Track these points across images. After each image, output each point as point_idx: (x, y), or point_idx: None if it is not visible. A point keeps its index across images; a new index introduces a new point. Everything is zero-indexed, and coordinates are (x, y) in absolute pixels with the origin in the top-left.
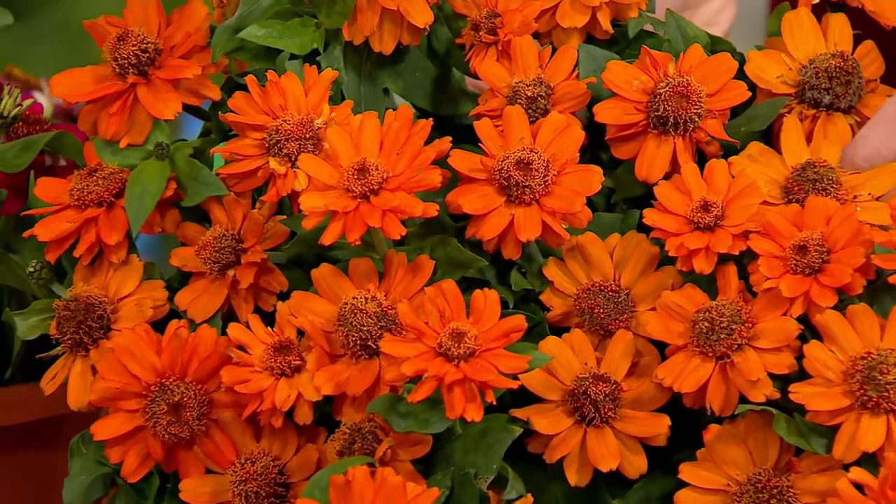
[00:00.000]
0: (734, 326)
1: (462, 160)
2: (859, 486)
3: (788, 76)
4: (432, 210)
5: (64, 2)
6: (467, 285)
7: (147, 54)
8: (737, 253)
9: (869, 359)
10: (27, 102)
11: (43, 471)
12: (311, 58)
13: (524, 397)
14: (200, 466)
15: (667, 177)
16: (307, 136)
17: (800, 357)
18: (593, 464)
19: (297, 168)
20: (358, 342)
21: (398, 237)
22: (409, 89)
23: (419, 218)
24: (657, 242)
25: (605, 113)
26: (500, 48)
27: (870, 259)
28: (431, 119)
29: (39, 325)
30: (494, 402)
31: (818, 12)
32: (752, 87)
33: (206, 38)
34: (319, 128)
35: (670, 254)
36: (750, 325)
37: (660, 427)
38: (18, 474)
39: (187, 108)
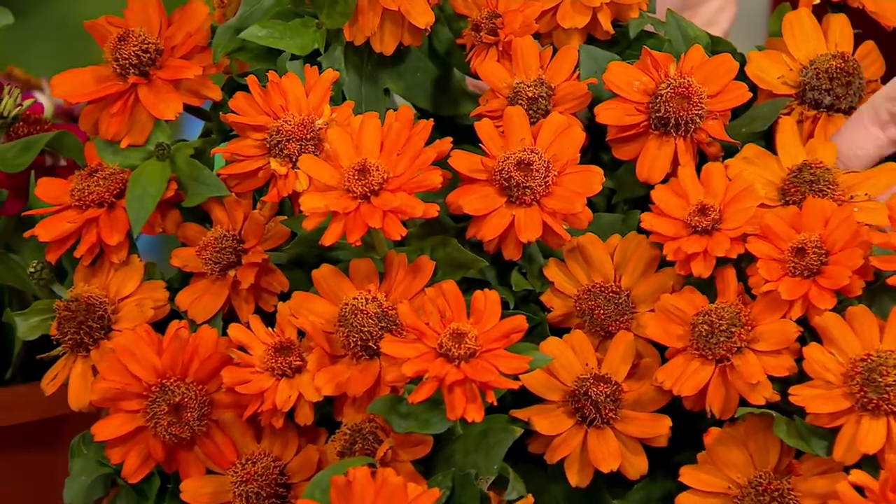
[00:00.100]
0: (734, 329)
1: (463, 161)
2: (860, 489)
3: (789, 77)
4: (433, 211)
5: (63, 1)
6: (468, 286)
7: (148, 54)
8: (734, 256)
9: (869, 361)
10: (27, 102)
11: (43, 471)
12: (312, 58)
13: (525, 398)
14: (201, 467)
15: (667, 178)
16: (308, 136)
17: (799, 359)
18: (594, 465)
19: (298, 169)
20: (358, 343)
21: (399, 238)
22: (409, 90)
23: (420, 218)
24: (658, 244)
25: (606, 114)
26: (500, 49)
27: (868, 260)
28: (432, 120)
29: (40, 326)
30: (495, 403)
31: (819, 13)
32: (753, 87)
33: (207, 38)
34: (320, 128)
35: (668, 258)
36: (749, 327)
37: (661, 428)
38: (19, 474)
39: (188, 109)
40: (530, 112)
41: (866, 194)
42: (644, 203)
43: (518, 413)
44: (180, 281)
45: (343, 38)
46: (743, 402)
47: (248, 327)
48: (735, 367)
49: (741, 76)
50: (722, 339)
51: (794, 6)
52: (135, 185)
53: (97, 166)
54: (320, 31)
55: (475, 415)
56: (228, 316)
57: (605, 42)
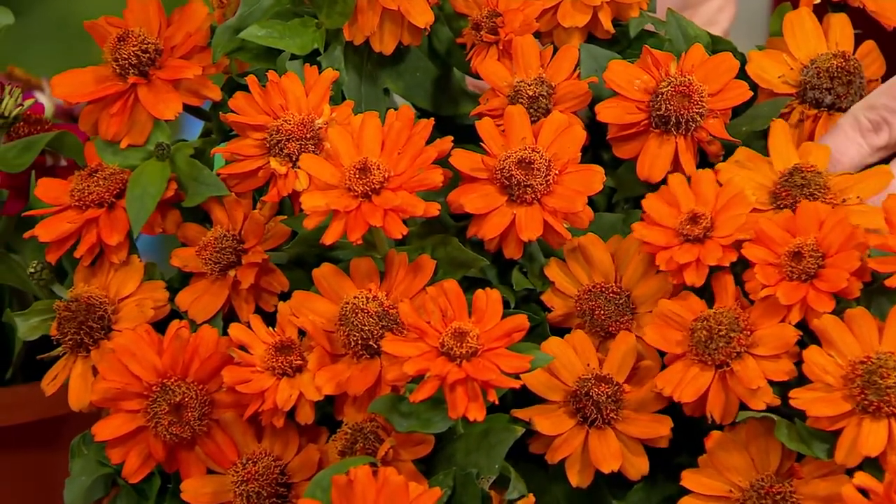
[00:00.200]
0: (732, 335)
1: (463, 159)
2: (864, 492)
3: (790, 76)
4: (434, 209)
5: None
6: (469, 285)
7: (147, 55)
8: (727, 264)
9: (868, 363)
10: (28, 102)
11: (44, 471)
12: (312, 58)
13: (526, 398)
14: (202, 467)
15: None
16: (308, 136)
17: (799, 362)
18: (595, 465)
19: (298, 168)
20: (359, 342)
21: (399, 237)
22: (409, 89)
23: (420, 217)
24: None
25: (606, 112)
26: (501, 48)
27: (865, 262)
28: (433, 119)
29: (40, 326)
30: (497, 402)
31: (819, 12)
32: (754, 87)
33: (207, 38)
34: (320, 128)
35: (661, 268)
36: (748, 332)
37: (662, 429)
38: (19, 474)
39: (188, 109)
40: (531, 111)
41: (858, 197)
42: None
43: (519, 413)
44: (180, 281)
45: (342, 37)
46: (743, 407)
47: (249, 327)
48: (735, 373)
49: (742, 75)
50: (721, 344)
51: (795, 6)
52: (135, 186)
53: (97, 166)
54: (320, 31)
55: (477, 414)
56: (229, 316)
57: (606, 41)
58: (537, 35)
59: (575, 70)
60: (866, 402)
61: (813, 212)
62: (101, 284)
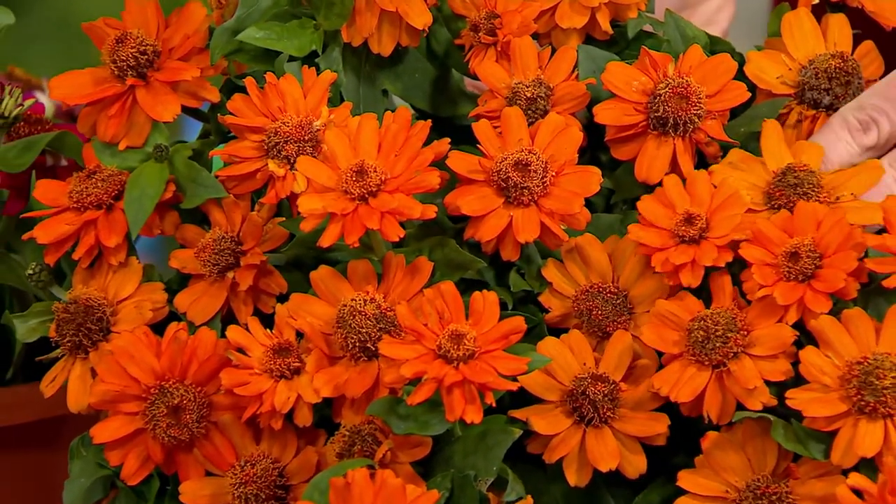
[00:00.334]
0: (729, 335)
1: (460, 161)
2: (859, 492)
3: (788, 77)
4: (431, 212)
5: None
6: (466, 287)
7: (146, 56)
8: (723, 265)
9: (865, 364)
10: (28, 102)
11: (43, 471)
12: (310, 59)
13: (523, 398)
14: (200, 469)
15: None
16: (306, 138)
17: (796, 363)
18: (593, 464)
19: (296, 170)
20: (357, 344)
21: (397, 239)
22: (408, 90)
23: (418, 219)
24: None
25: (604, 114)
26: (499, 49)
27: (863, 262)
28: (430, 121)
29: (39, 328)
30: (494, 405)
31: (818, 13)
32: (752, 87)
33: (205, 39)
34: (318, 130)
35: (656, 269)
36: (745, 332)
37: (659, 427)
38: (19, 474)
39: (186, 110)
40: (529, 112)
41: (852, 194)
42: None
43: (516, 413)
44: (179, 283)
45: (341, 39)
46: (740, 407)
47: (247, 329)
48: (731, 373)
49: (740, 76)
50: (718, 344)
51: (793, 6)
52: (133, 187)
53: (95, 168)
54: (318, 33)
55: (474, 416)
56: (227, 318)
57: (604, 42)
58: (535, 36)
59: (573, 71)
60: (863, 403)
61: (811, 212)
62: (99, 286)
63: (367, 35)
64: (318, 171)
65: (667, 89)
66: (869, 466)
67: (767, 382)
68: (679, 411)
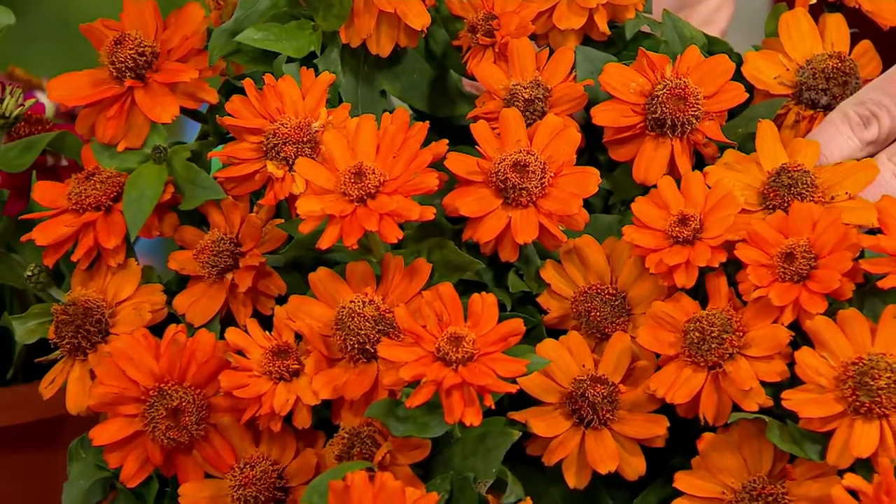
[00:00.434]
0: (725, 336)
1: (458, 163)
2: (854, 493)
3: (786, 77)
4: (429, 213)
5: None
6: (465, 288)
7: (144, 58)
8: (717, 265)
9: (860, 364)
10: (29, 102)
11: (43, 471)
12: (309, 61)
13: (522, 400)
14: (199, 471)
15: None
16: (304, 139)
17: (791, 363)
18: (592, 466)
19: (295, 172)
20: (356, 346)
21: (395, 241)
22: (406, 91)
23: (416, 221)
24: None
25: (602, 115)
26: (497, 50)
27: (858, 263)
28: (428, 122)
29: (38, 329)
30: (493, 407)
31: (815, 12)
32: (750, 88)
33: (203, 41)
34: (317, 131)
35: (651, 271)
36: (741, 333)
37: (658, 429)
38: (19, 474)
39: (184, 112)
40: (526, 114)
41: (847, 193)
42: None
43: (515, 415)
44: (178, 284)
45: (339, 40)
46: (736, 408)
47: (246, 331)
48: (727, 374)
49: (738, 76)
50: (713, 345)
51: (791, 6)
52: (131, 189)
53: (94, 170)
54: (316, 34)
55: (473, 419)
56: (226, 319)
57: (602, 43)
58: (533, 37)
59: (571, 72)
60: (858, 404)
61: (806, 213)
62: (98, 288)
63: (365, 36)
64: (316, 173)
65: (664, 90)
66: (865, 467)
67: (763, 383)
68: (676, 413)
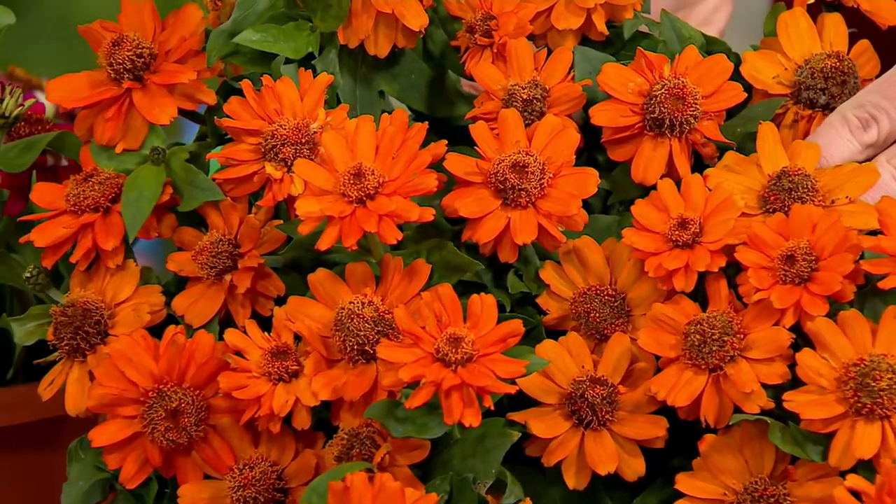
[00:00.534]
0: (726, 338)
1: (457, 163)
2: (857, 493)
3: (784, 77)
4: (428, 214)
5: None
6: (464, 289)
7: (142, 59)
8: (716, 270)
9: (862, 365)
10: (29, 102)
11: (43, 471)
12: (307, 62)
13: (521, 400)
14: (199, 472)
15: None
16: (303, 140)
17: (793, 365)
18: (591, 467)
19: (293, 173)
20: (355, 347)
21: (394, 242)
22: (404, 92)
23: (415, 222)
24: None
25: (600, 115)
26: (495, 50)
27: (858, 265)
28: (426, 123)
29: (36, 331)
30: (492, 408)
31: (813, 12)
32: (748, 87)
33: (201, 42)
34: (315, 132)
35: (650, 275)
36: (741, 336)
37: (657, 430)
38: (18, 474)
39: (183, 113)
40: (525, 114)
41: (847, 197)
42: None
43: (515, 416)
44: (176, 285)
45: (337, 41)
46: (737, 410)
47: (245, 332)
48: (728, 376)
49: (736, 76)
50: (714, 347)
51: (789, 6)
52: (130, 190)
53: (92, 171)
54: (314, 35)
55: (472, 420)
56: (225, 320)
57: (600, 43)
58: (531, 38)
59: (569, 73)
60: (860, 405)
61: (806, 215)
62: (97, 289)
63: (363, 37)
64: (315, 174)
65: (663, 90)
66: (867, 468)
67: (764, 385)
68: (676, 415)
